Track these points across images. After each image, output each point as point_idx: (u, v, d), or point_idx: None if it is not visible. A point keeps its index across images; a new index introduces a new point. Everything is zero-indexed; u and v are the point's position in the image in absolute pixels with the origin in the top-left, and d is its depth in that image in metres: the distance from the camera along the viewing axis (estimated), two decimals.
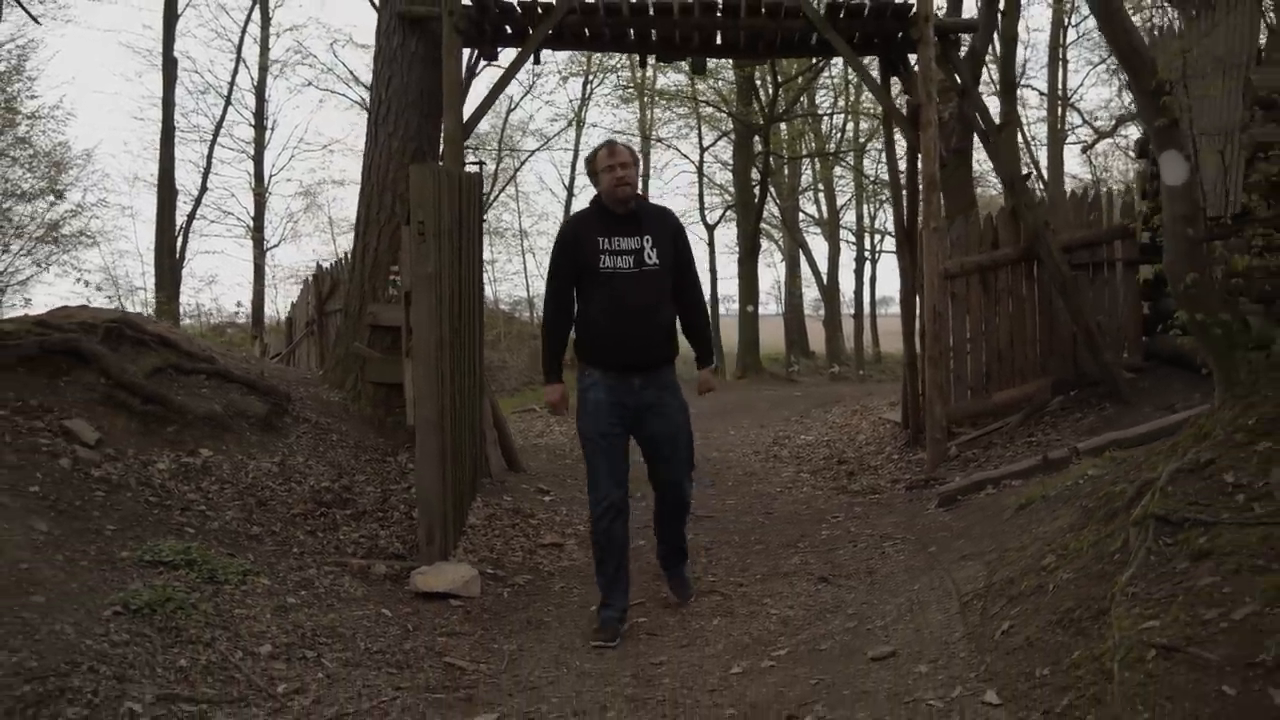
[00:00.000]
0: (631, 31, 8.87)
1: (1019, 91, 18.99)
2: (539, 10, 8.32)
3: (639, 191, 5.12)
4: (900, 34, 8.40)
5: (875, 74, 9.44)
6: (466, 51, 8.62)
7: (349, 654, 4.50)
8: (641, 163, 4.96)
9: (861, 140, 29.19)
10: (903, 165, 9.46)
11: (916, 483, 7.68)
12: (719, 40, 9.00)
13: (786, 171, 30.32)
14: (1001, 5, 10.56)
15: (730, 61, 20.37)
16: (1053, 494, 5.26)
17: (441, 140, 8.40)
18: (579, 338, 5.16)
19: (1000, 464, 7.18)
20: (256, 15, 27.06)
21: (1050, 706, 3.08)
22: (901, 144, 9.38)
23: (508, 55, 8.98)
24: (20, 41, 24.84)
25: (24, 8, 9.05)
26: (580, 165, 30.92)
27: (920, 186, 8.40)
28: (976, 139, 9.86)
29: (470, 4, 8.18)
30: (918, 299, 8.86)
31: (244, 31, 27.22)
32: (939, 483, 7.30)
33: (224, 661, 4.11)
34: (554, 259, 5.24)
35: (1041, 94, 27.55)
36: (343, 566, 5.62)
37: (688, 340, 5.39)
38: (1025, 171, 9.24)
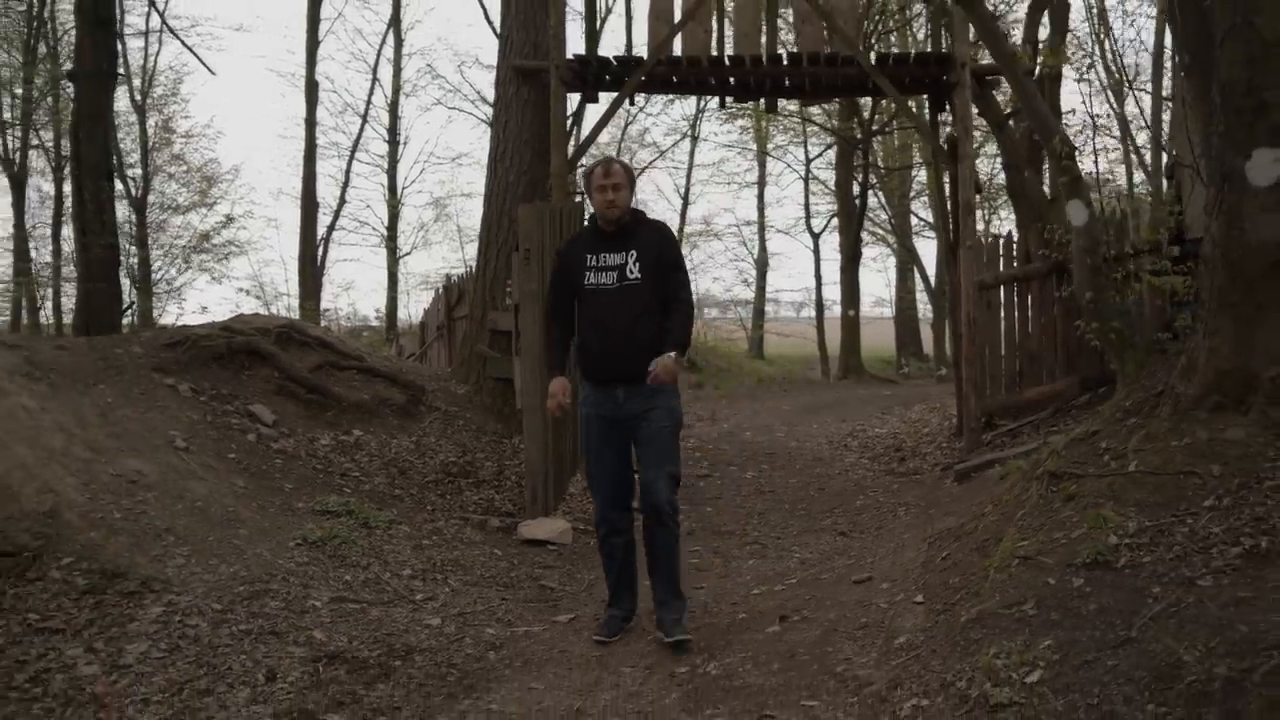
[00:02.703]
0: (711, 79, 10.20)
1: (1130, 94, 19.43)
2: (632, 62, 9.73)
3: (634, 208, 5.13)
4: (944, 76, 9.50)
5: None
6: (572, 96, 10.05)
7: (469, 577, 5.99)
8: (639, 179, 5.42)
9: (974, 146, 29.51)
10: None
11: (950, 465, 8.72)
12: (786, 84, 10.20)
13: (899, 178, 30.85)
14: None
15: None
16: (1024, 465, 6.44)
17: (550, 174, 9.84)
18: (577, 353, 5.28)
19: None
20: (390, 39, 28.68)
21: (948, 599, 4.39)
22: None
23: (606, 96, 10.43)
24: (176, 67, 27.31)
25: (204, 63, 10.87)
26: (695, 176, 32.23)
27: (960, 210, 9.45)
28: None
29: (573, 58, 9.63)
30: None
31: (379, 54, 28.96)
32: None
33: (377, 579, 5.62)
34: (550, 279, 5.47)
35: (1146, 92, 27.70)
36: (465, 520, 7.11)
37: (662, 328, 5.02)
38: (1050, 196, 10.22)
